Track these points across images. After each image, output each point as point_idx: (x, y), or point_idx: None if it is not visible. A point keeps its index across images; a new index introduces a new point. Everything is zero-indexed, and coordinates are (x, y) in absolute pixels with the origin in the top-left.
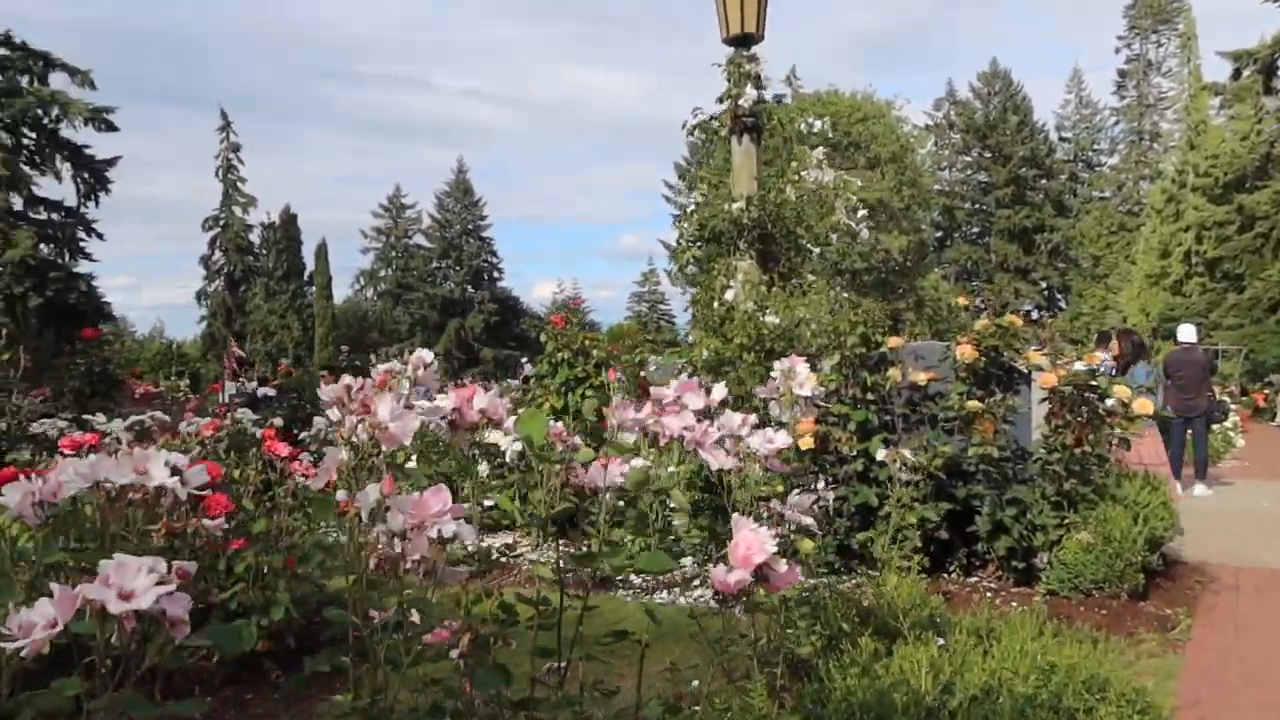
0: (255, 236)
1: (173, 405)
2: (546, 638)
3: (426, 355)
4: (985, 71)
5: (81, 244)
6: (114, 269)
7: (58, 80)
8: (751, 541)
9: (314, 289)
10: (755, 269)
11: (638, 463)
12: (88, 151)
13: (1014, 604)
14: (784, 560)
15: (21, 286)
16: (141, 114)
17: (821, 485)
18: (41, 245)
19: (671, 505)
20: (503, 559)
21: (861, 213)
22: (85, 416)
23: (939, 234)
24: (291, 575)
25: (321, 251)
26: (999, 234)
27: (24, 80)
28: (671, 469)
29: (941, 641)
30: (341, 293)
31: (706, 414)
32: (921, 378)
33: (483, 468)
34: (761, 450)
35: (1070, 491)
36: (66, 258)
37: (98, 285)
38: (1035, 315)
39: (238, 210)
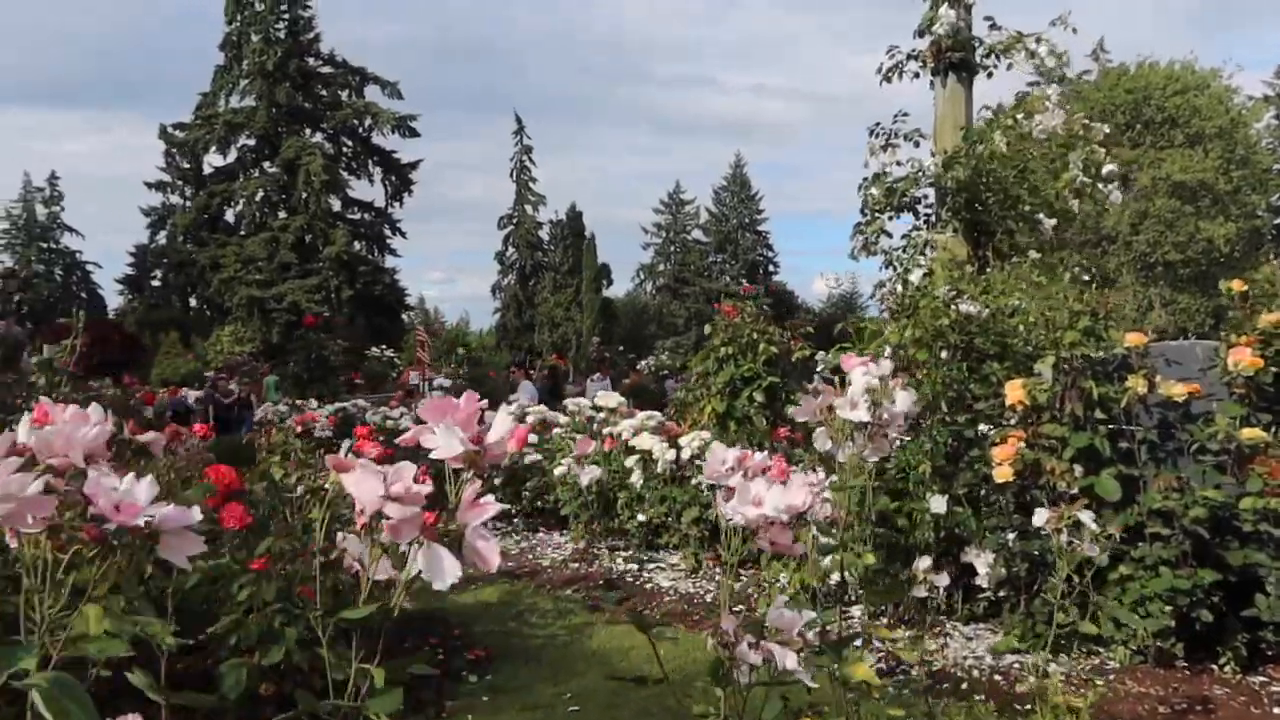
0: (544, 233)
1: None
2: None
3: None
4: None
5: (388, 241)
6: (431, 264)
7: (371, 93)
8: None
9: (583, 282)
10: (961, 244)
11: None
12: (395, 156)
13: None
14: None
15: (338, 280)
16: (457, 121)
17: (972, 549)
18: (355, 242)
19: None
20: (646, 584)
21: (1109, 168)
22: (298, 402)
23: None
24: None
25: (590, 246)
26: None
27: (343, 94)
28: (827, 495)
29: None
30: (623, 286)
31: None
32: (1178, 390)
33: (635, 477)
34: (763, 514)
35: None
36: (375, 253)
37: (400, 278)
38: None
39: (529, 208)
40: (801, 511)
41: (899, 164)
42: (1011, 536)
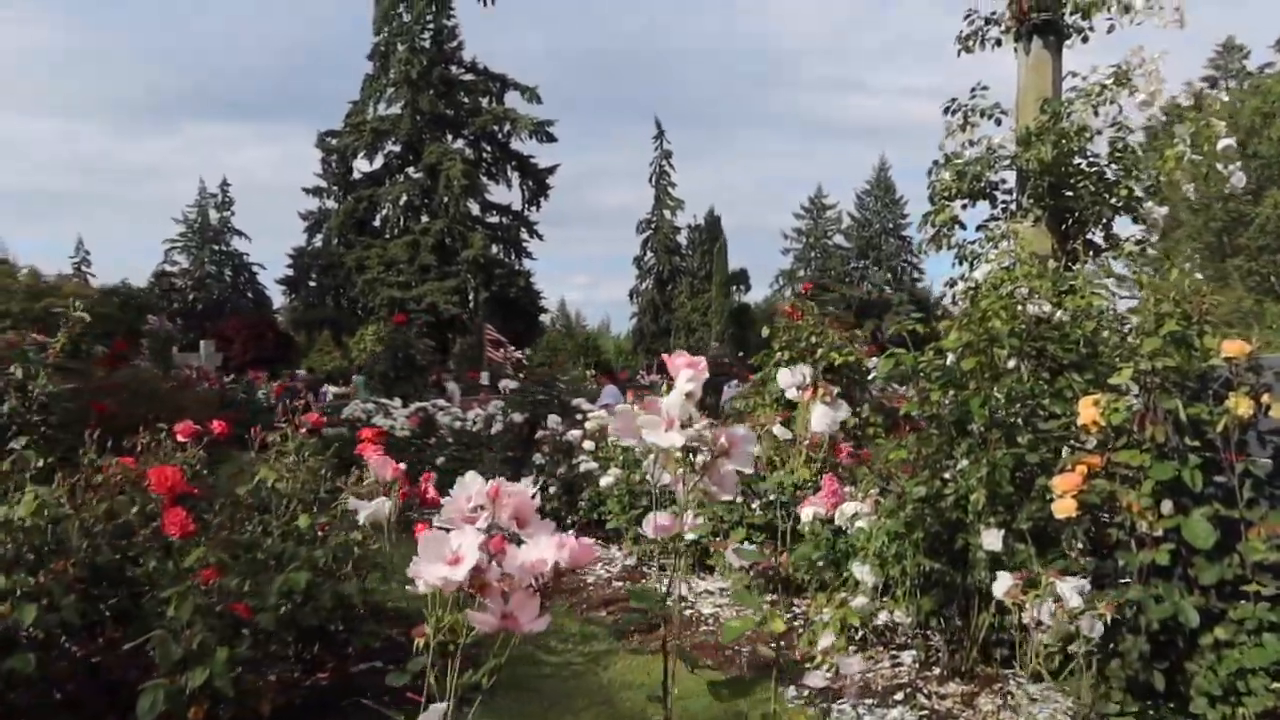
0: (683, 238)
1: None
2: None
3: None
4: None
5: (525, 244)
6: (576, 268)
7: (511, 99)
8: None
9: (714, 287)
10: (1045, 235)
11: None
12: (532, 161)
13: None
14: None
15: (475, 281)
16: (606, 129)
17: (1040, 604)
18: (492, 245)
19: (859, 575)
20: (687, 610)
21: (1225, 143)
22: (383, 401)
23: None
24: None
25: (721, 251)
26: None
27: (484, 100)
28: (861, 521)
29: None
30: (761, 292)
31: None
32: None
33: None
34: (448, 578)
35: None
36: (512, 256)
37: (535, 281)
38: None
39: (667, 213)
40: (549, 570)
41: (972, 143)
42: (1084, 583)
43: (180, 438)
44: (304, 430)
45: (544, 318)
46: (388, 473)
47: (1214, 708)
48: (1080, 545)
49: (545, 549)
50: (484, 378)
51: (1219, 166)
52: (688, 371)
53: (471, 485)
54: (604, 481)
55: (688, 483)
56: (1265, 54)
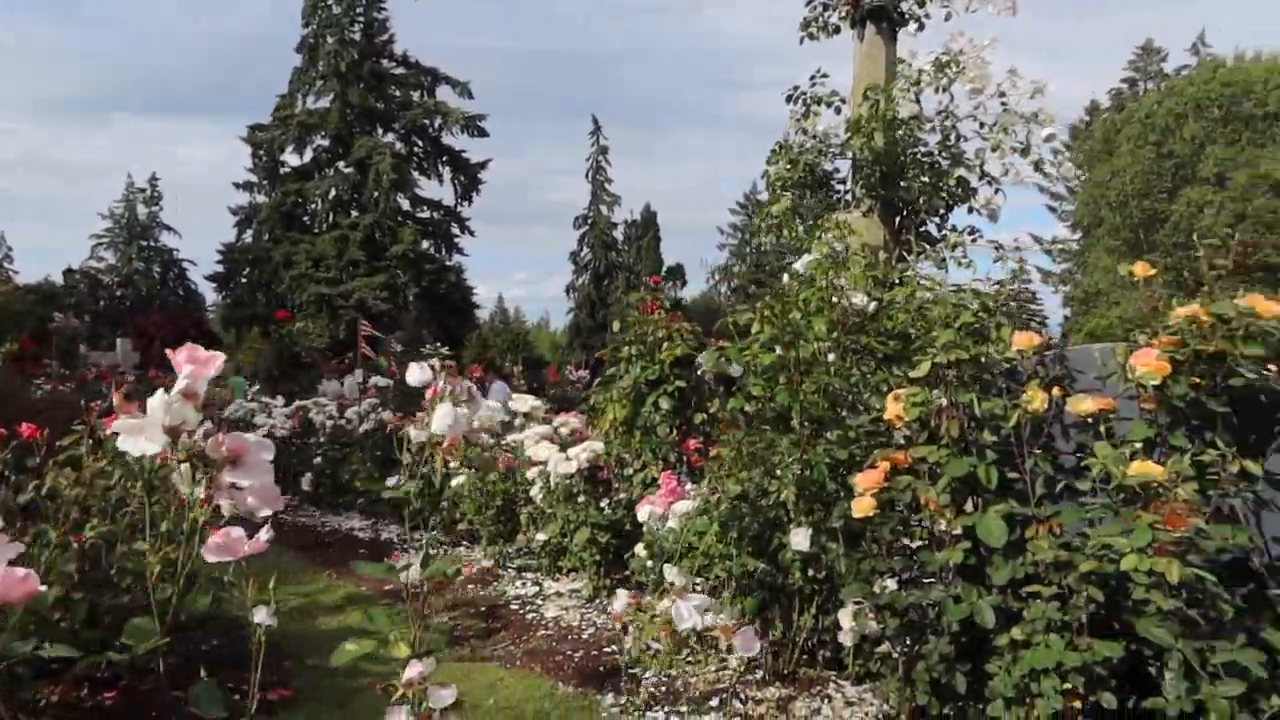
0: (619, 234)
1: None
2: None
3: None
4: None
5: (455, 239)
6: (516, 265)
7: (443, 93)
8: None
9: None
10: (877, 226)
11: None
12: (464, 156)
13: None
14: None
15: (404, 277)
16: (555, 127)
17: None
18: (423, 241)
19: (669, 577)
20: (529, 614)
21: (1046, 132)
22: (265, 400)
23: None
24: None
25: (651, 246)
26: None
27: (415, 94)
28: (672, 522)
29: None
30: (698, 288)
31: None
32: (1086, 406)
33: (537, 491)
34: None
35: None
36: (443, 252)
37: (466, 277)
38: None
39: (604, 209)
40: None
41: (805, 132)
42: (891, 584)
43: None
44: (108, 433)
45: (479, 313)
46: None
47: (1009, 710)
48: (890, 544)
49: None
50: (358, 375)
51: (1047, 156)
52: (188, 368)
53: None
54: (455, 481)
55: (206, 495)
56: (1183, 56)
